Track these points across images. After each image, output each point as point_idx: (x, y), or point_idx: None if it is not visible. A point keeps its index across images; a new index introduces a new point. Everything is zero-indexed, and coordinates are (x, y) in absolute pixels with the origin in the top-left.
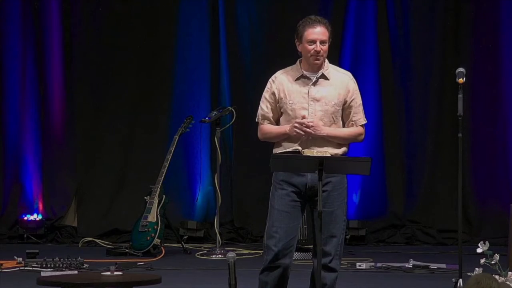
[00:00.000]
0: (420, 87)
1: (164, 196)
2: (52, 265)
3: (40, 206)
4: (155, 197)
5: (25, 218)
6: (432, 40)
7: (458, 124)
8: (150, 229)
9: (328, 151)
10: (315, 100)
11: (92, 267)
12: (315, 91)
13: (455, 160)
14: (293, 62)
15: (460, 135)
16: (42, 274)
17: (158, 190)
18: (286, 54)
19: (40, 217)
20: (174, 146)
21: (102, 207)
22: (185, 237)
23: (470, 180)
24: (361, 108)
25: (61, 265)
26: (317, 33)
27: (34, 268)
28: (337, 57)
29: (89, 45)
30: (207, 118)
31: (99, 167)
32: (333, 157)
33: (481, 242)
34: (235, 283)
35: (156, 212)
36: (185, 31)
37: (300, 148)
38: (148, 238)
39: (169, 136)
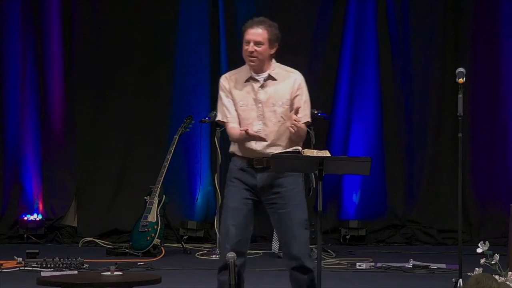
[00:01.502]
0: (420, 87)
1: (164, 196)
2: (52, 265)
3: (40, 206)
4: (155, 197)
5: (25, 218)
6: (432, 40)
7: (458, 124)
8: (150, 229)
9: (278, 151)
10: (263, 102)
11: (92, 267)
12: (263, 92)
13: (455, 160)
14: (292, 61)
15: (460, 135)
16: (42, 274)
17: (158, 190)
18: (286, 54)
19: (40, 217)
20: (174, 146)
21: (102, 207)
22: (185, 237)
23: (470, 180)
24: (307, 106)
25: (61, 265)
26: (252, 34)
27: (34, 268)
28: (337, 57)
29: (89, 45)
30: (207, 118)
31: (99, 167)
32: (333, 157)
33: (481, 242)
34: (235, 283)
35: (156, 212)
36: (185, 31)
37: (300, 148)
38: (148, 238)
39: (169, 136)
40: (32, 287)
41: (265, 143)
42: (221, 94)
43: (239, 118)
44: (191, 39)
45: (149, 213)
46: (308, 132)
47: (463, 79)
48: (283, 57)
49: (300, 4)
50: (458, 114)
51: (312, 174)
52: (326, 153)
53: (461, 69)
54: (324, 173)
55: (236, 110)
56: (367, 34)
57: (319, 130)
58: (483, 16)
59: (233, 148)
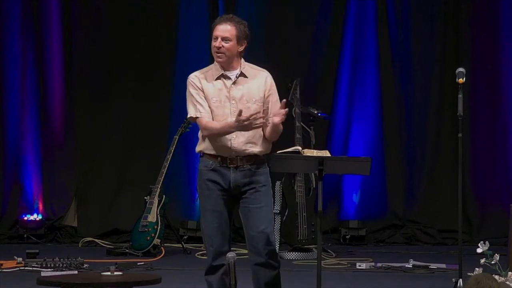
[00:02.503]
0: (420, 87)
1: (164, 196)
2: (52, 265)
3: (40, 206)
4: (155, 197)
5: (25, 218)
6: (432, 40)
7: (458, 124)
8: (150, 229)
9: (253, 149)
10: (237, 99)
11: (92, 267)
12: (236, 90)
13: (455, 160)
14: (292, 61)
15: (460, 135)
16: (42, 274)
17: (158, 190)
18: (286, 53)
19: (40, 217)
20: (174, 146)
21: (102, 207)
22: (185, 237)
23: (470, 180)
24: (278, 104)
25: (61, 265)
26: (220, 30)
27: (34, 268)
28: (337, 57)
29: (89, 45)
30: None
31: (99, 167)
32: (333, 157)
33: (481, 242)
34: (235, 283)
35: (156, 212)
36: (185, 30)
37: (300, 148)
38: (148, 238)
39: (169, 136)
40: (32, 287)
41: (241, 140)
42: (192, 91)
43: (212, 115)
44: (191, 38)
45: (149, 213)
46: (308, 132)
47: (463, 79)
48: (284, 55)
49: (300, 4)
50: (458, 114)
51: (312, 174)
52: (326, 153)
53: (461, 69)
54: (324, 173)
55: (210, 107)
56: (367, 34)
57: (319, 130)
58: (483, 16)
59: (203, 146)
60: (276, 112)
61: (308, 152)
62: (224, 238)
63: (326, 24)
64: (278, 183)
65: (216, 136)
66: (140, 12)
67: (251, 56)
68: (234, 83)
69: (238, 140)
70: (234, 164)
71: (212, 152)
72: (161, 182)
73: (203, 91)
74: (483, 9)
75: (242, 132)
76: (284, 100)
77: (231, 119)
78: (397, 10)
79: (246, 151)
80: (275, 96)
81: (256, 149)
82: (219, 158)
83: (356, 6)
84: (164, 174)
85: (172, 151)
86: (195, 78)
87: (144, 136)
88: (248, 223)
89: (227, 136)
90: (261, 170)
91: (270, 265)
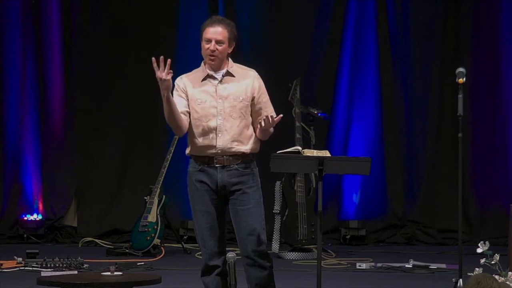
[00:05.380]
0: (420, 87)
1: (164, 196)
2: (52, 265)
3: (40, 206)
4: (155, 197)
5: (25, 218)
6: (432, 40)
7: (458, 124)
8: (150, 229)
9: (239, 147)
10: (223, 97)
11: (92, 267)
12: (222, 88)
13: (455, 160)
14: (292, 61)
15: (460, 135)
16: (42, 274)
17: (158, 190)
18: (286, 53)
19: (40, 217)
20: (174, 146)
21: (102, 207)
22: (185, 237)
23: (470, 180)
24: (270, 103)
25: (61, 265)
26: (213, 33)
27: (34, 268)
28: (337, 57)
29: (89, 45)
30: None
31: (99, 167)
32: (333, 157)
33: (481, 242)
34: (235, 283)
35: (156, 212)
36: (185, 31)
37: (300, 148)
38: (148, 238)
39: (169, 136)
40: (32, 287)
41: (226, 138)
42: (174, 93)
43: (196, 115)
44: (190, 39)
45: (149, 213)
46: (308, 132)
47: (463, 79)
48: (284, 56)
49: (300, 4)
50: (458, 114)
51: (312, 174)
52: (326, 153)
53: (461, 69)
54: (324, 173)
55: (194, 108)
56: (367, 34)
57: (319, 130)
58: (483, 16)
59: (191, 149)
60: (270, 120)
61: (308, 152)
62: (217, 238)
63: (326, 24)
64: (278, 183)
65: (170, 122)
66: (140, 12)
67: (250, 56)
68: (220, 82)
69: (224, 138)
70: (221, 164)
71: (199, 154)
72: (161, 182)
73: (186, 93)
74: (483, 10)
75: (228, 130)
76: (281, 115)
77: (217, 118)
78: (397, 10)
79: (232, 149)
80: (265, 97)
81: (242, 147)
82: (206, 159)
83: (356, 6)
84: (164, 174)
85: (172, 151)
86: (180, 80)
87: (144, 136)
88: (237, 225)
89: (212, 134)
90: (249, 170)
91: (260, 265)
